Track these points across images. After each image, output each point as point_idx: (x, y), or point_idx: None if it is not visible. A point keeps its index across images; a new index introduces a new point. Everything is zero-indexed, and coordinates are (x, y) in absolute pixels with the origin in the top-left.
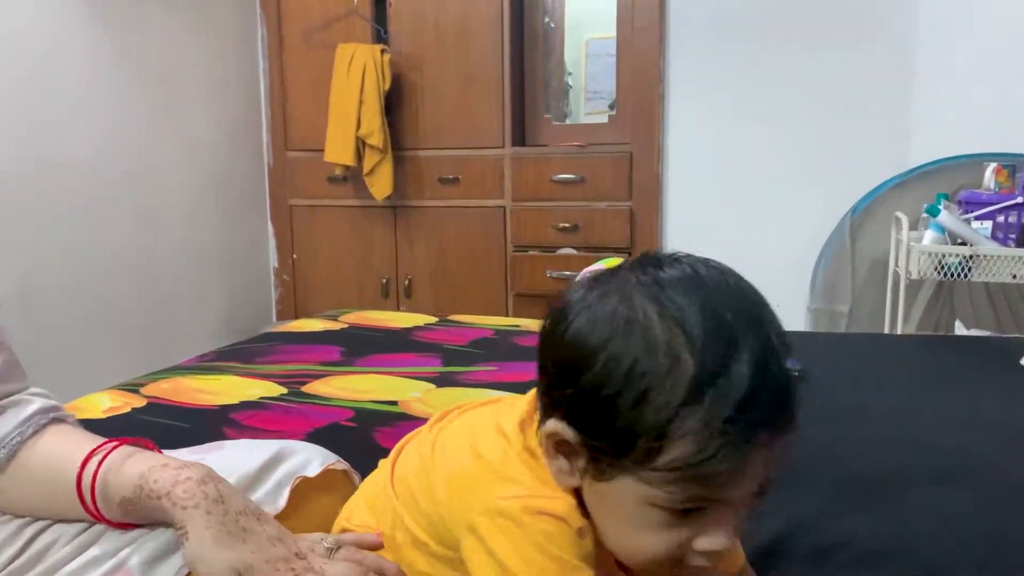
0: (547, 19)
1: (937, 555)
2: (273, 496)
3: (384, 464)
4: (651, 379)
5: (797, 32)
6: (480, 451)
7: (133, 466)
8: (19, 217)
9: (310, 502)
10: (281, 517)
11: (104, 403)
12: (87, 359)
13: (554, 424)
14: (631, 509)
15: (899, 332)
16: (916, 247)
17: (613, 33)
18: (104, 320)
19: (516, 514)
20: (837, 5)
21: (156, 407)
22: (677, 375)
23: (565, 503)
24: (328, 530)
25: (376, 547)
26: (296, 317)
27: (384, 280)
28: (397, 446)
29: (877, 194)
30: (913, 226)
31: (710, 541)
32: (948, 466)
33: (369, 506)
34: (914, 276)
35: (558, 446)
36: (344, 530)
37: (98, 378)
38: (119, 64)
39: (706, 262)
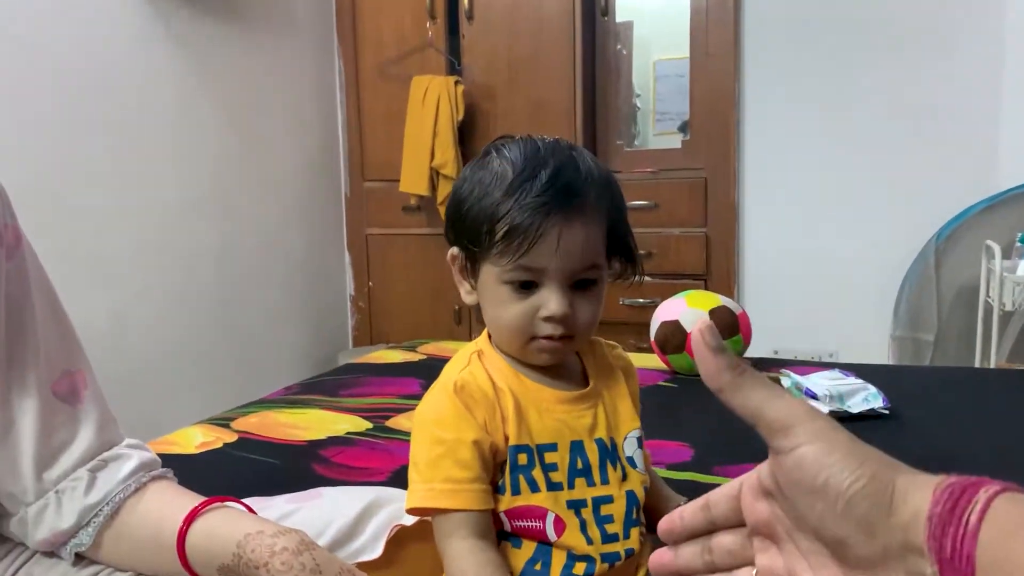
0: (619, 47)
1: None
2: (372, 545)
3: None
4: (486, 187)
5: (878, 52)
6: None
7: (231, 533)
8: (111, 254)
9: (408, 551)
10: (379, 565)
11: (197, 438)
12: (176, 388)
13: (450, 251)
14: (493, 290)
15: (992, 365)
16: (1010, 277)
17: (681, 54)
18: (191, 347)
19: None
20: (920, 25)
21: (247, 442)
22: (502, 182)
23: (456, 370)
24: None
25: None
26: (371, 343)
27: (457, 307)
28: None
29: (963, 219)
30: (1006, 255)
31: (546, 308)
32: None
33: None
34: (1008, 307)
35: (460, 271)
36: None
37: (187, 406)
38: (204, 100)
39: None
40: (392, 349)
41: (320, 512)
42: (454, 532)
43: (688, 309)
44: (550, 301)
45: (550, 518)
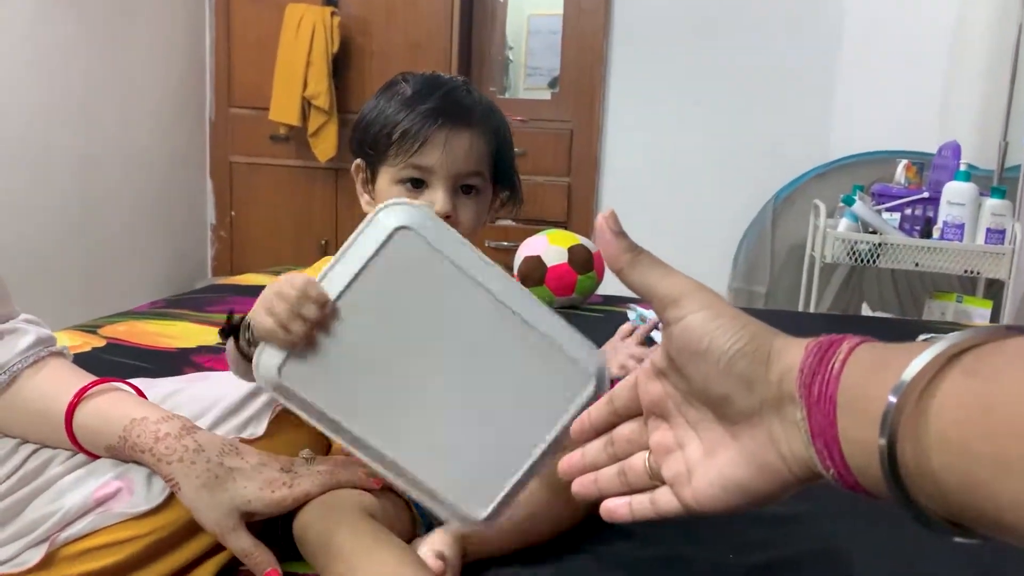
0: None
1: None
2: (255, 421)
3: None
4: (385, 102)
5: (734, 27)
6: None
7: (118, 416)
8: None
9: (287, 432)
10: (258, 443)
11: (63, 342)
12: (22, 297)
13: (355, 162)
14: (387, 192)
15: (811, 311)
16: (832, 233)
17: (554, 10)
18: (42, 269)
19: None
20: (771, 4)
21: (116, 347)
22: (400, 98)
23: None
24: None
25: None
26: (232, 274)
27: (323, 241)
28: None
29: (799, 184)
30: (830, 214)
31: (432, 205)
32: None
33: None
34: (828, 260)
35: (362, 183)
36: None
37: (33, 313)
38: (61, 15)
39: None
40: (258, 273)
41: (207, 390)
42: None
43: (549, 246)
44: (435, 199)
45: None
